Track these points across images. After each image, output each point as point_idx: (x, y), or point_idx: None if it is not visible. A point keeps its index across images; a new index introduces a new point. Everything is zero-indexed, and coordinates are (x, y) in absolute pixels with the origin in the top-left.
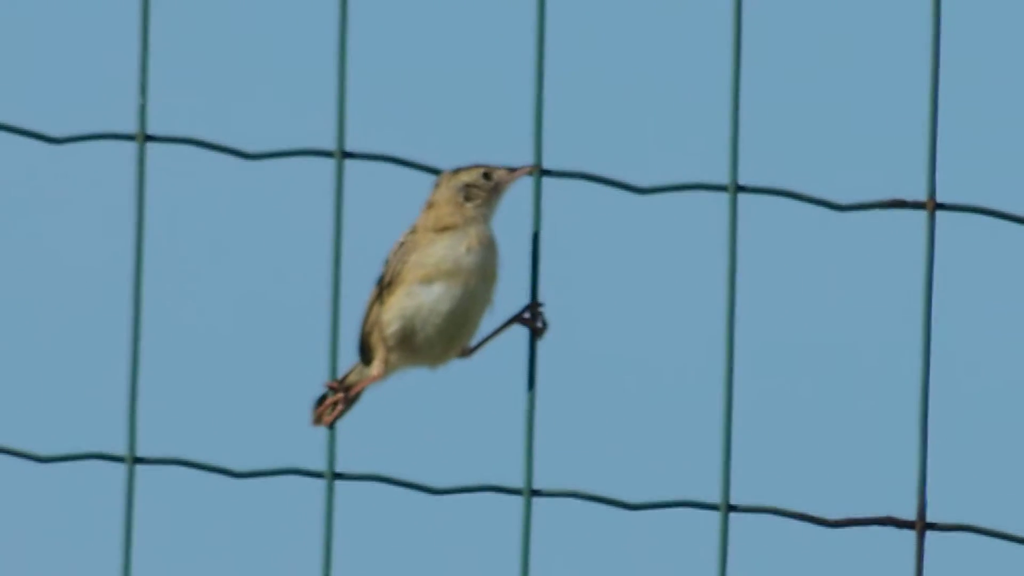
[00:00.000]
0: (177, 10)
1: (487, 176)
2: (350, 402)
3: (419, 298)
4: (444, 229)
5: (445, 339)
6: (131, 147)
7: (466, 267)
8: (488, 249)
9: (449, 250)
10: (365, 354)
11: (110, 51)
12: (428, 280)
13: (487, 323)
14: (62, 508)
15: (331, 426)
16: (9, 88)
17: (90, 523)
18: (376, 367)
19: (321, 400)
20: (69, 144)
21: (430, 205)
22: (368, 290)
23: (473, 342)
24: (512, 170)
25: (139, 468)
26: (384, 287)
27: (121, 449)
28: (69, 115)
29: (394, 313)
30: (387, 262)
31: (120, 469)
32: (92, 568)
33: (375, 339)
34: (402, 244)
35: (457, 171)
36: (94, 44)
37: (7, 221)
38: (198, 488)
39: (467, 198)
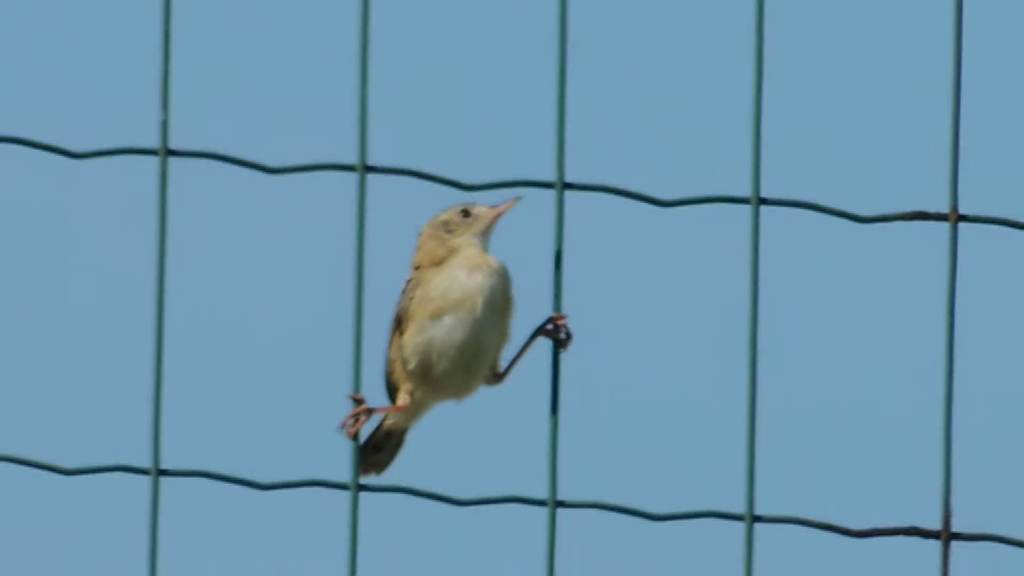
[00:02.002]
0: (199, 25)
1: (466, 213)
2: (394, 447)
3: (430, 332)
4: (440, 262)
5: (462, 370)
6: (153, 162)
7: (472, 290)
8: (490, 273)
9: (450, 279)
10: (392, 393)
11: (132, 66)
12: (438, 314)
13: (509, 348)
14: (87, 520)
15: (355, 437)
16: (31, 103)
17: (115, 535)
18: (402, 398)
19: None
20: (91, 159)
21: (419, 249)
22: (390, 304)
23: (501, 367)
24: (494, 207)
25: (164, 480)
26: (398, 325)
27: (146, 462)
28: (91, 130)
29: (410, 350)
30: (399, 301)
31: (145, 481)
32: None
33: (397, 375)
34: (408, 281)
35: (437, 215)
36: (116, 59)
37: (31, 236)
38: (222, 500)
39: (448, 231)
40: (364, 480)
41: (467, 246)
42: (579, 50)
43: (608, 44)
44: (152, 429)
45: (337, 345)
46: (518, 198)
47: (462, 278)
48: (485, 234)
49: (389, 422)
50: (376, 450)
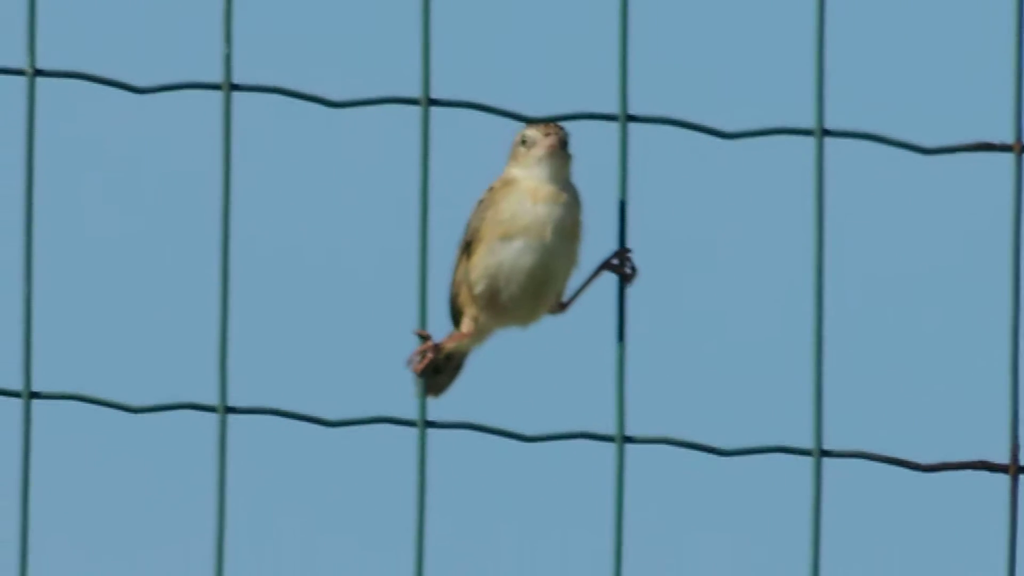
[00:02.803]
0: None
1: (523, 141)
2: (453, 370)
3: (500, 255)
4: (510, 184)
5: (530, 296)
6: (217, 96)
7: (541, 218)
8: (560, 203)
9: (518, 205)
10: (456, 318)
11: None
12: (507, 236)
13: (575, 279)
14: (156, 458)
15: (422, 374)
16: (95, 38)
17: (184, 473)
18: (466, 325)
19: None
20: (155, 94)
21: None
22: (456, 239)
23: (564, 297)
24: (547, 134)
25: (231, 418)
26: (466, 247)
27: (213, 399)
28: (155, 65)
29: (479, 272)
30: (468, 222)
31: (212, 419)
32: (187, 519)
33: (463, 299)
34: (480, 202)
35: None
36: None
37: (96, 172)
38: (290, 438)
39: (518, 154)
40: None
41: (526, 178)
42: None
43: None
44: (219, 366)
45: (403, 278)
46: (560, 131)
47: (528, 206)
48: (544, 164)
49: (451, 345)
50: (436, 372)
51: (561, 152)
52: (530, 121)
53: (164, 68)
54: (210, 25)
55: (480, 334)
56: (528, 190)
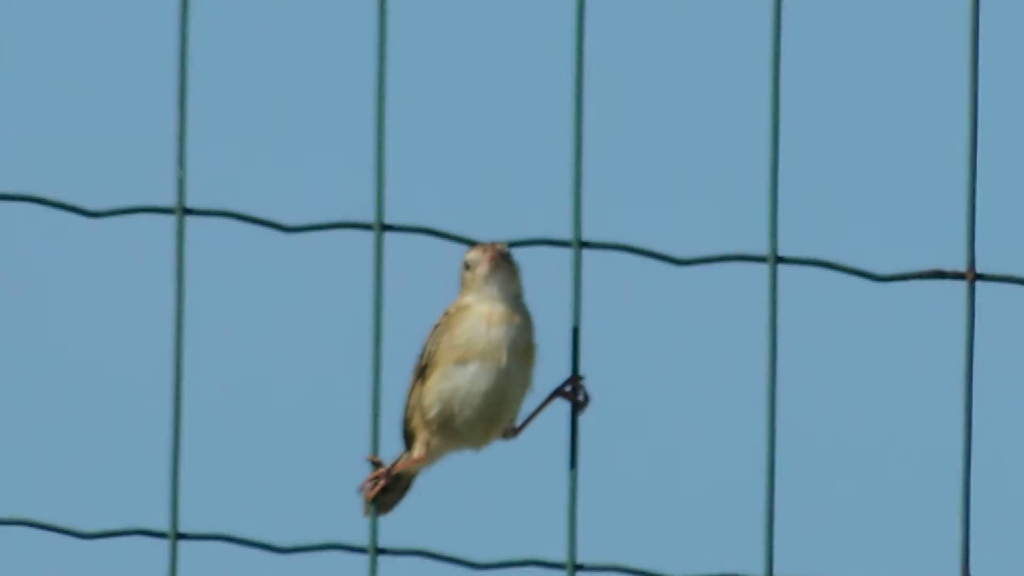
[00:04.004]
0: (214, 82)
1: (467, 266)
2: (402, 490)
3: (455, 379)
4: (464, 309)
5: (485, 420)
6: (170, 220)
7: (495, 343)
8: (514, 325)
9: (472, 329)
10: (408, 440)
11: (147, 124)
12: (463, 360)
13: (528, 404)
14: None
15: (373, 501)
16: (47, 161)
17: None
18: (418, 449)
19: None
20: (107, 217)
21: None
22: (409, 363)
23: (517, 422)
24: (485, 250)
25: (182, 544)
26: (421, 371)
27: (164, 525)
28: (107, 188)
29: (433, 397)
30: (424, 346)
31: (164, 545)
32: None
33: (416, 423)
34: (436, 326)
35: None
36: (131, 117)
37: (45, 295)
38: (241, 564)
39: (464, 281)
40: (382, 545)
41: (478, 302)
42: (595, 107)
43: (622, 101)
44: (170, 492)
45: (355, 406)
46: (499, 243)
47: (482, 330)
48: (490, 282)
49: (403, 469)
50: (384, 491)
51: (504, 263)
52: (472, 244)
53: (117, 192)
54: (163, 149)
55: (432, 457)
56: (482, 314)
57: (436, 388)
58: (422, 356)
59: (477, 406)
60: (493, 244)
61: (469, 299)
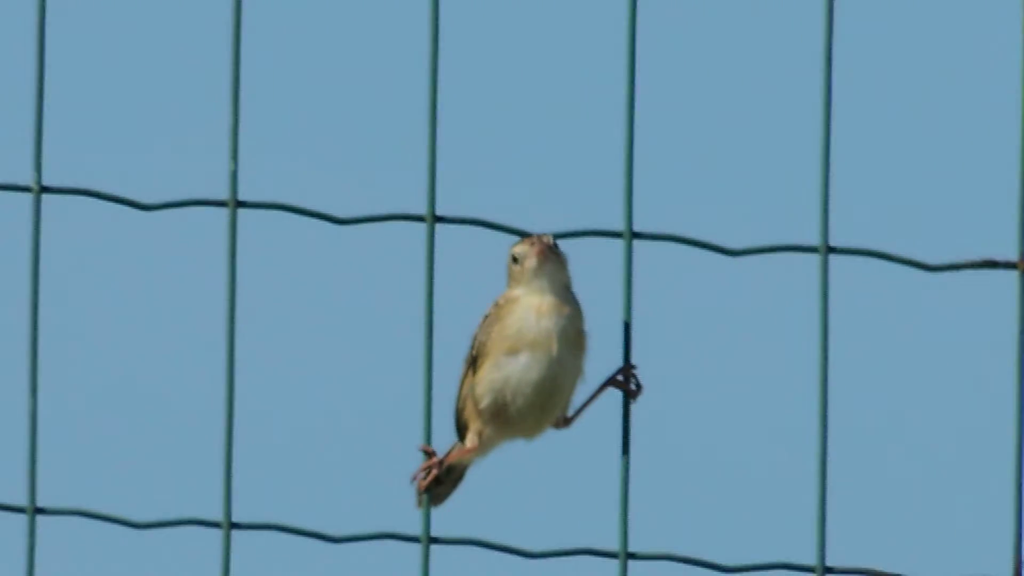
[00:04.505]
0: (269, 76)
1: (515, 259)
2: (454, 482)
3: (506, 370)
4: (513, 301)
5: (537, 410)
6: (223, 213)
7: (546, 333)
8: (563, 315)
9: (522, 320)
10: (461, 431)
11: (201, 117)
12: (514, 351)
13: (580, 393)
14: (159, 575)
15: (426, 490)
16: (100, 155)
17: None
18: (471, 439)
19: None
20: (161, 211)
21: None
22: (461, 354)
23: (569, 411)
24: (533, 243)
25: (235, 533)
26: (473, 361)
27: (218, 515)
28: (160, 181)
29: (484, 387)
30: (475, 337)
31: (217, 535)
32: None
33: (469, 414)
34: (486, 317)
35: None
36: (185, 111)
37: (100, 288)
38: (295, 553)
39: (513, 274)
40: (435, 535)
41: (527, 294)
42: (647, 98)
43: (675, 91)
44: (224, 482)
45: (408, 397)
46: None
47: (532, 321)
48: (539, 275)
49: (455, 460)
50: (437, 483)
51: (551, 255)
52: (522, 235)
53: (170, 185)
54: (216, 142)
55: (484, 448)
56: (532, 305)
57: (488, 378)
58: (473, 347)
59: (529, 395)
60: (540, 236)
61: (518, 291)
